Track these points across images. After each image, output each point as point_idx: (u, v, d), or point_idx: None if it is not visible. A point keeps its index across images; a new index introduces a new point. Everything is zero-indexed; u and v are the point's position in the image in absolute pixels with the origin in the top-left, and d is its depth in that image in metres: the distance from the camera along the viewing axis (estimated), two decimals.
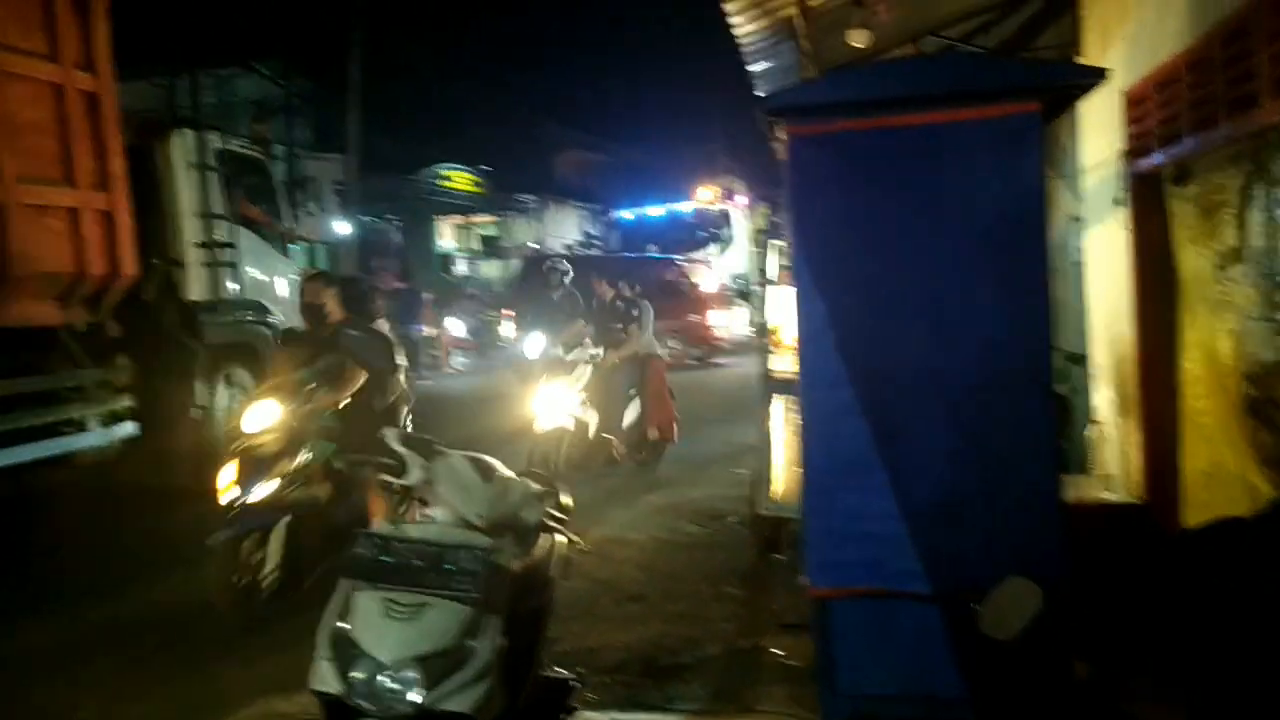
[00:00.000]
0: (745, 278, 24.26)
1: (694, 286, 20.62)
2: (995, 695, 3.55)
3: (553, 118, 36.74)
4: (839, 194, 3.66)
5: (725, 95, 35.75)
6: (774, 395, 6.24)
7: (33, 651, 5.41)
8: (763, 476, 6.22)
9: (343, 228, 21.96)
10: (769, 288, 7.03)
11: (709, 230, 25.78)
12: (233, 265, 9.79)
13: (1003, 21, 8.04)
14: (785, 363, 6.22)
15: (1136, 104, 5.34)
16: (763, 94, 8.77)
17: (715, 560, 6.70)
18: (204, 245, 9.47)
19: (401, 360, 6.11)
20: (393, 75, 24.93)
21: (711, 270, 23.28)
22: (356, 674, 2.84)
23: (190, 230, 9.41)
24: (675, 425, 9.74)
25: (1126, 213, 5.56)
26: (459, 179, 32.48)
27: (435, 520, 3.24)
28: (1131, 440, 5.78)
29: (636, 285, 10.11)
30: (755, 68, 8.52)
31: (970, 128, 3.51)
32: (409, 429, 5.63)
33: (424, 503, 3.28)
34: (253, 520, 5.53)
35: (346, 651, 2.91)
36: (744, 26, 7.16)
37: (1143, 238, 5.42)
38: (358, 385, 5.79)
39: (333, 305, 6.03)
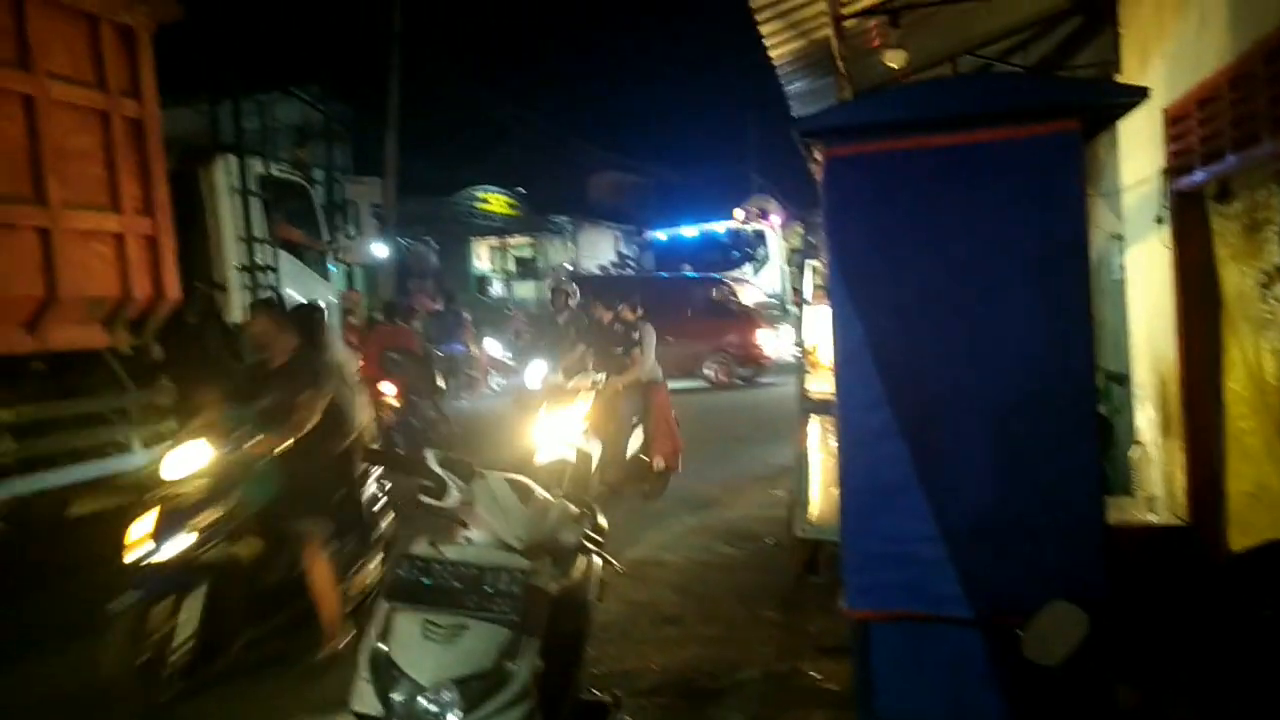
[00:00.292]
0: (780, 297, 24.26)
1: (742, 305, 20.58)
2: None
3: (587, 139, 36.97)
4: (876, 214, 3.65)
5: (759, 115, 35.98)
6: (811, 416, 6.22)
7: None
8: (800, 498, 6.19)
9: (380, 250, 22.19)
10: (805, 308, 7.01)
11: (743, 250, 25.76)
12: (274, 288, 9.93)
13: (1039, 40, 8.00)
14: (822, 383, 6.19)
15: (1177, 121, 5.29)
16: (798, 115, 8.79)
17: (752, 582, 6.66)
18: (246, 268, 9.61)
19: (440, 383, 5.98)
20: (430, 99, 25.22)
21: (753, 290, 23.28)
22: (396, 696, 2.86)
23: (232, 254, 9.56)
24: (680, 454, 9.38)
25: (1168, 231, 5.50)
26: (495, 201, 32.75)
27: (474, 542, 3.25)
28: (1175, 461, 5.70)
29: (638, 308, 9.54)
30: (790, 88, 8.53)
31: (1009, 147, 3.49)
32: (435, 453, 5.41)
33: (463, 524, 3.30)
34: (164, 583, 4.70)
35: (386, 673, 2.93)
36: (779, 48, 7.18)
37: (1185, 256, 5.36)
38: (306, 428, 5.13)
39: (281, 336, 5.42)
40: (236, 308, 9.55)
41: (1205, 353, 5.22)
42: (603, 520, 3.69)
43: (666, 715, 4.66)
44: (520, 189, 33.40)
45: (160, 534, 4.72)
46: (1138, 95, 3.65)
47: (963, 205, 3.54)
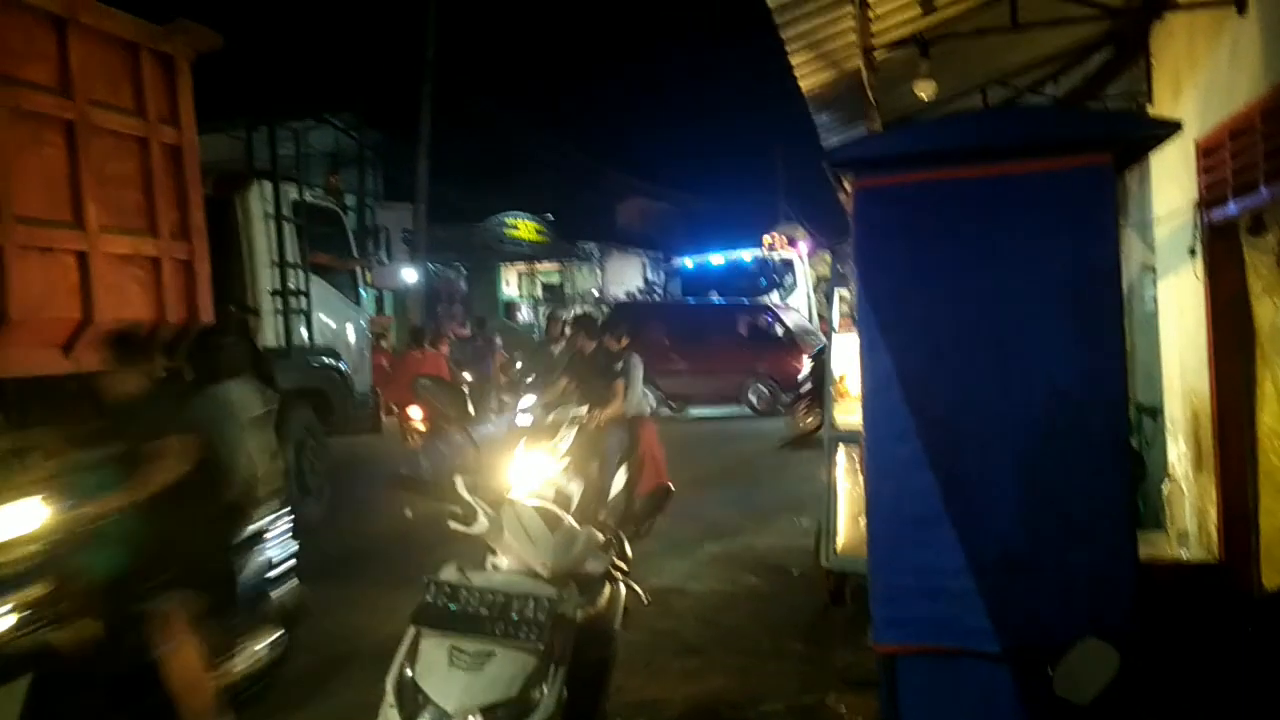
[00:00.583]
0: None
1: (786, 331, 20.57)
2: None
3: (615, 166, 37.19)
4: (906, 245, 3.65)
5: (787, 143, 36.08)
6: (839, 445, 6.20)
7: None
8: (826, 528, 6.16)
9: (410, 275, 22.37)
10: (833, 336, 7.00)
11: (770, 278, 25.75)
12: (305, 313, 10.01)
13: (1070, 70, 8.00)
14: (849, 412, 6.17)
15: (1210, 153, 5.27)
16: (827, 144, 8.82)
17: (777, 613, 6.62)
18: (278, 293, 9.70)
19: (470, 410, 5.65)
20: (461, 126, 25.47)
21: (796, 316, 23.23)
22: None
23: (265, 279, 9.65)
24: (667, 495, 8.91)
25: (1201, 263, 5.47)
26: (523, 227, 32.99)
27: (501, 569, 3.26)
28: (1206, 496, 5.64)
29: (624, 336, 8.98)
30: (819, 118, 8.56)
31: (1041, 179, 3.49)
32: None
33: (491, 551, 3.31)
34: None
35: (412, 699, 2.94)
36: (809, 78, 7.21)
37: (1218, 288, 5.32)
38: (161, 481, 4.24)
39: (124, 369, 4.55)
40: (268, 331, 9.64)
41: (1238, 386, 5.17)
42: (629, 548, 3.69)
43: None
44: (549, 215, 33.62)
45: None
46: (1170, 129, 3.64)
47: (994, 237, 3.54)
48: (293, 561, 5.38)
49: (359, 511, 9.95)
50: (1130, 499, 3.62)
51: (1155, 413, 6.70)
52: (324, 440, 10.33)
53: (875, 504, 3.76)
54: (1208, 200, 5.33)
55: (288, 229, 9.83)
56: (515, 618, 3.00)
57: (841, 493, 6.12)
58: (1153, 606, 3.58)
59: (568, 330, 9.25)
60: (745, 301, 23.12)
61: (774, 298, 25.22)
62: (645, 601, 3.57)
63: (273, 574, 5.18)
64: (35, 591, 4.03)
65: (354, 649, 5.81)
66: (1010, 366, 3.53)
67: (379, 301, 22.66)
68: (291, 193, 10.16)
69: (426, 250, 23.30)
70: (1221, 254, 5.28)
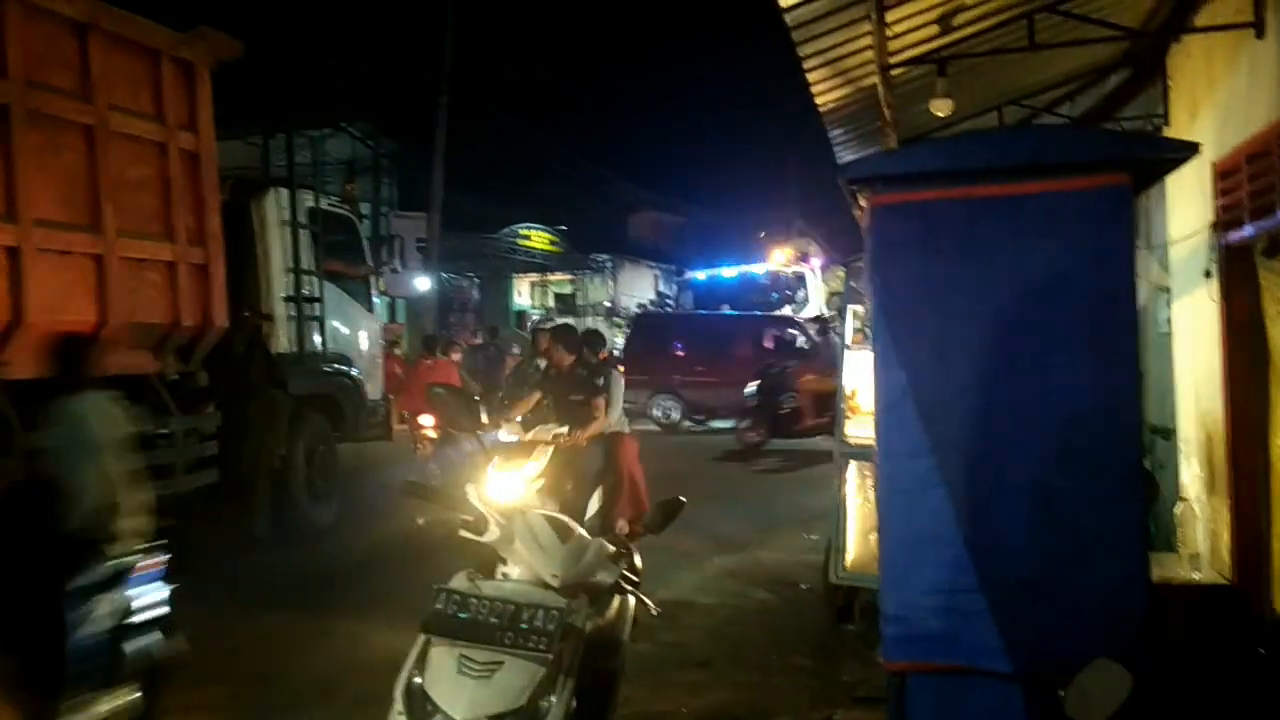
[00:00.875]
0: None
1: (814, 344, 20.49)
2: None
3: (629, 178, 37.28)
4: (921, 263, 3.65)
5: (800, 157, 36.10)
6: (849, 461, 6.19)
7: None
8: (836, 544, 6.15)
9: (423, 284, 22.44)
10: (846, 352, 7.00)
11: (782, 292, 25.73)
12: (318, 320, 10.06)
13: (1086, 91, 8.01)
14: (861, 428, 6.16)
15: (1227, 175, 5.26)
16: (842, 160, 8.83)
17: (786, 628, 6.61)
18: (292, 299, 9.75)
19: (483, 418, 5.35)
20: (476, 136, 25.57)
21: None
22: None
23: (280, 285, 9.71)
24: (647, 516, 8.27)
25: (1216, 285, 5.45)
26: (537, 237, 33.07)
27: (511, 578, 3.27)
28: (1219, 518, 5.61)
29: (602, 349, 8.54)
30: (835, 134, 8.58)
31: (1058, 199, 3.49)
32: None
33: (502, 560, 3.32)
34: None
35: (421, 707, 2.95)
36: (825, 95, 7.22)
37: (1233, 311, 5.31)
38: None
39: None
40: (281, 337, 9.69)
41: (1252, 409, 5.15)
42: (638, 560, 3.69)
43: None
44: (562, 226, 33.71)
45: None
46: (1188, 151, 3.64)
47: (1009, 256, 3.54)
48: (163, 610, 4.63)
49: (367, 518, 9.97)
50: (1143, 520, 3.60)
51: (1168, 434, 6.67)
52: (334, 446, 10.36)
53: (886, 521, 3.75)
54: (1224, 222, 5.32)
55: (303, 236, 9.89)
56: (525, 627, 3.01)
57: (852, 509, 6.11)
58: (1164, 628, 3.56)
59: (552, 344, 8.35)
60: (766, 314, 23.11)
61: (785, 312, 25.21)
62: (654, 613, 3.57)
63: (132, 623, 4.45)
64: None
65: (354, 660, 5.81)
66: (1024, 385, 3.53)
67: (391, 309, 22.72)
68: (308, 200, 10.23)
69: (440, 259, 23.37)
70: (1237, 276, 5.27)
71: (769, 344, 20.70)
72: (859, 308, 6.89)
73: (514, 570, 3.29)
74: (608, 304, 34.27)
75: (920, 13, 6.05)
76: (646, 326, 23.18)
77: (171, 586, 4.71)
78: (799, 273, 25.97)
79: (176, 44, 8.11)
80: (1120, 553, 3.44)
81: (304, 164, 11.18)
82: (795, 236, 28.96)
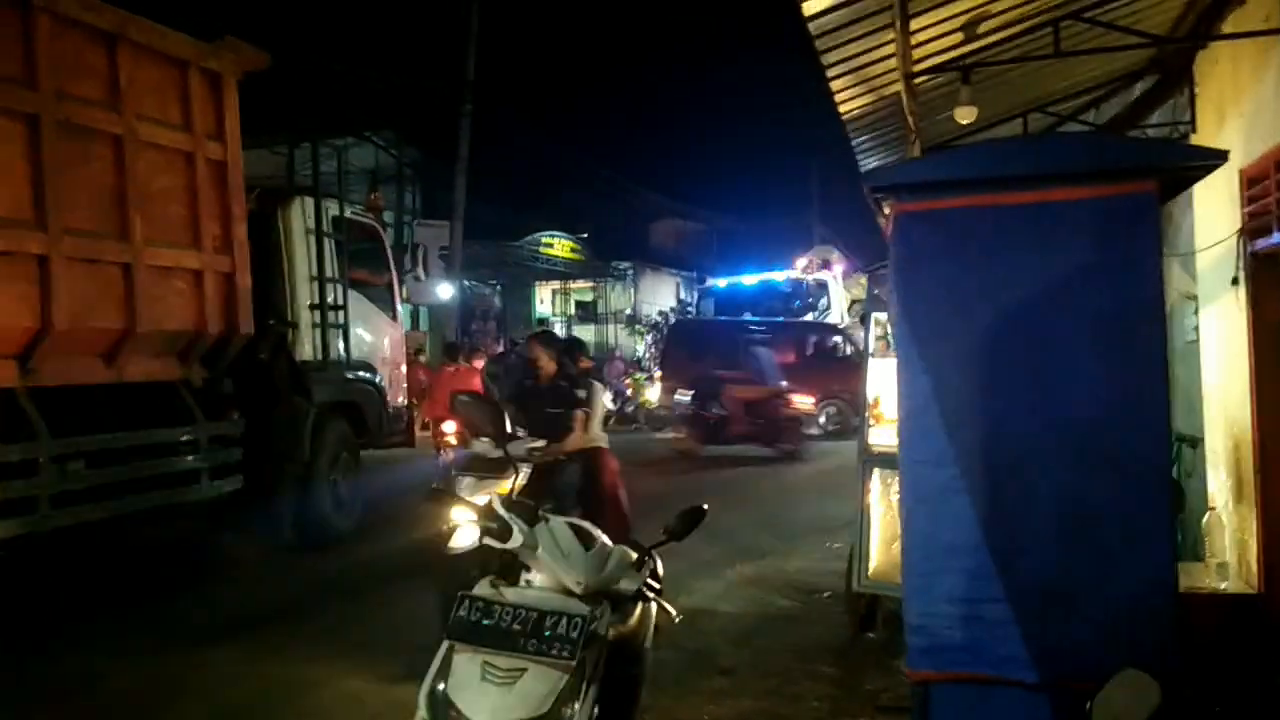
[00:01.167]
0: None
1: (858, 351, 20.45)
2: None
3: (650, 186, 37.35)
4: (945, 271, 3.64)
5: (822, 165, 36.09)
6: (872, 469, 6.16)
7: None
8: (859, 552, 6.12)
9: (445, 291, 22.55)
10: (869, 359, 6.97)
11: (804, 300, 25.66)
12: (342, 327, 10.11)
13: (1112, 98, 7.97)
14: (884, 436, 6.14)
15: (1255, 182, 5.22)
16: (866, 168, 8.81)
17: (808, 636, 6.58)
18: (316, 307, 9.80)
19: (507, 425, 5.21)
20: (499, 145, 25.70)
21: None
22: None
23: (305, 293, 9.76)
24: (629, 535, 7.31)
25: (1244, 292, 5.41)
26: (559, 245, 33.17)
27: (534, 585, 3.28)
28: (1246, 527, 5.56)
29: (585, 357, 8.12)
30: (858, 142, 8.56)
31: (1084, 207, 3.47)
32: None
33: (525, 567, 3.32)
34: None
35: (445, 714, 2.96)
36: (849, 103, 7.21)
37: (1261, 318, 5.27)
38: None
39: None
40: (306, 345, 9.74)
41: None
42: (660, 567, 3.69)
43: None
44: (584, 234, 33.79)
45: None
46: (1217, 158, 3.62)
47: (1035, 264, 3.53)
48: None
49: (389, 525, 10.00)
50: (1171, 529, 3.58)
51: (1195, 443, 6.61)
52: (357, 453, 10.41)
53: (910, 530, 3.74)
54: (1251, 230, 5.28)
55: (328, 244, 9.94)
56: (548, 634, 3.01)
57: (875, 516, 6.08)
58: (1191, 638, 3.53)
59: (540, 350, 7.63)
60: (807, 321, 23.05)
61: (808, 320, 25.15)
62: (676, 620, 3.57)
63: None
64: None
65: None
66: (1050, 394, 3.51)
67: (414, 317, 22.84)
68: (332, 209, 10.28)
69: (462, 267, 23.47)
70: (1265, 283, 5.23)
71: (810, 350, 20.59)
72: (881, 315, 6.86)
73: (537, 577, 3.29)
74: (629, 312, 34.32)
75: (945, 20, 6.03)
76: (684, 333, 23.01)
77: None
78: (821, 280, 25.88)
79: (204, 54, 8.19)
80: (1148, 561, 3.42)
81: (329, 173, 11.22)
82: (817, 244, 28.91)
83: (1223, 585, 5.61)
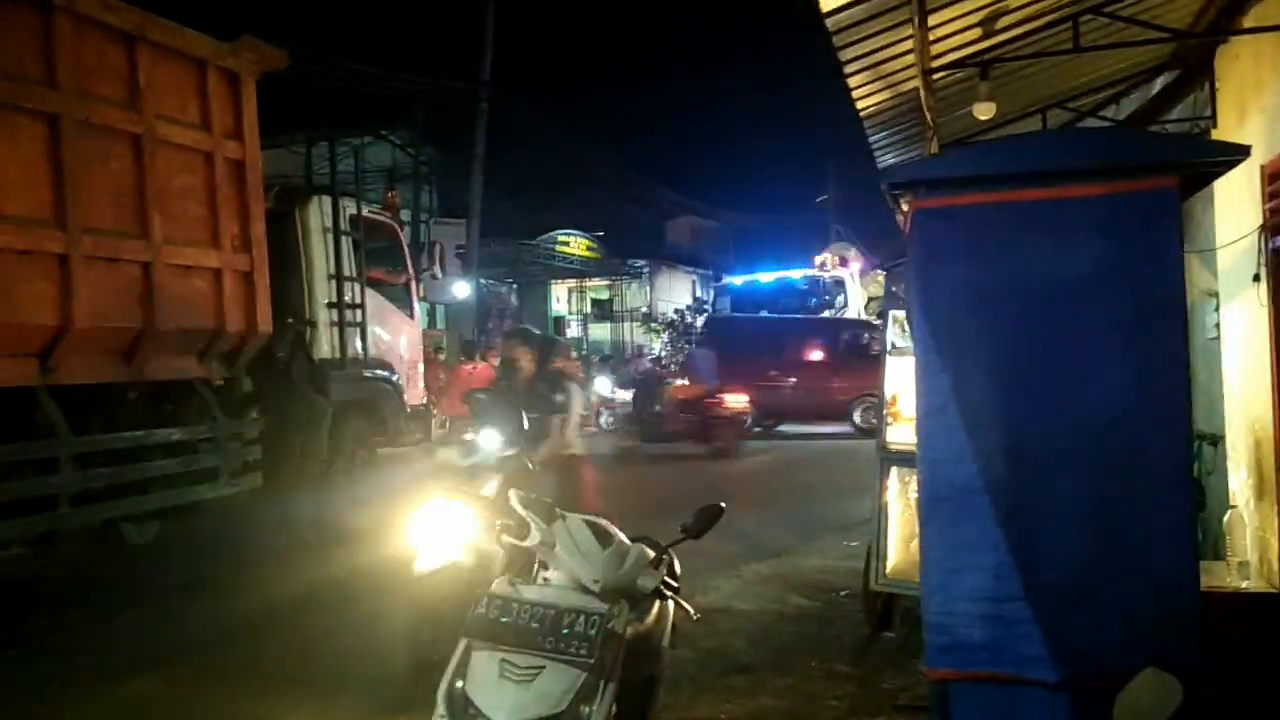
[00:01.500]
0: None
1: (895, 348, 20.34)
2: None
3: (666, 184, 37.34)
4: (964, 267, 3.62)
5: (839, 163, 36.00)
6: (890, 467, 6.14)
7: None
8: (876, 550, 6.10)
9: (462, 290, 22.61)
10: (887, 357, 6.94)
11: (821, 297, 25.58)
12: (360, 326, 10.15)
13: (1131, 93, 7.91)
14: (902, 434, 6.11)
15: (1276, 178, 5.17)
16: (883, 165, 8.77)
17: (825, 634, 6.56)
18: (334, 306, 9.84)
19: (524, 423, 5.23)
20: (515, 143, 25.75)
21: None
22: None
23: (322, 291, 9.80)
24: None
25: (1265, 289, 5.36)
26: (576, 244, 33.22)
27: (552, 583, 3.28)
28: (1268, 526, 5.51)
29: (564, 357, 7.51)
30: (875, 138, 8.52)
31: (1104, 203, 3.45)
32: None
33: (543, 565, 3.33)
34: None
35: (463, 711, 2.96)
36: (866, 100, 7.18)
37: None
38: None
39: None
40: (324, 343, 9.78)
41: None
42: (678, 566, 3.68)
43: None
44: (600, 233, 33.83)
45: None
46: (1239, 153, 3.59)
47: (1055, 260, 3.50)
48: None
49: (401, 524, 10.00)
50: (1193, 527, 3.55)
51: (1216, 441, 6.56)
52: (374, 451, 10.45)
53: (929, 528, 3.72)
54: (1273, 226, 5.23)
55: (345, 243, 9.98)
56: (566, 632, 3.01)
57: (893, 515, 6.06)
58: (1211, 637, 3.50)
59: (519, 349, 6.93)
60: (840, 318, 23.03)
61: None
62: (694, 618, 3.56)
63: None
64: None
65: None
66: (1070, 391, 3.49)
67: (431, 315, 22.90)
68: (350, 207, 10.32)
69: (479, 265, 23.51)
70: None
71: (844, 347, 20.58)
72: (899, 313, 6.83)
73: (554, 575, 3.29)
74: (645, 310, 34.33)
75: (963, 16, 5.99)
76: (718, 330, 22.93)
77: None
78: (838, 278, 25.79)
79: (222, 54, 8.23)
80: (1169, 561, 3.40)
81: (346, 171, 11.26)
82: (834, 241, 28.82)
83: (1244, 584, 5.56)
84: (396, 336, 11.16)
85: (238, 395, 8.73)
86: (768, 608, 7.32)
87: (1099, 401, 3.45)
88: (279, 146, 11.47)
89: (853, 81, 6.71)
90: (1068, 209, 3.49)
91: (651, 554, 3.44)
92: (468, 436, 6.72)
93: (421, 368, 12.02)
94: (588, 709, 2.95)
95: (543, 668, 2.97)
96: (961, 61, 6.47)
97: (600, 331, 34.79)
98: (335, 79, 17.56)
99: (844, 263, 26.26)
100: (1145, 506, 3.39)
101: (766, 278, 26.56)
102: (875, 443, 6.52)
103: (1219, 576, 5.58)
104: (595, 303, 36.27)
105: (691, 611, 3.57)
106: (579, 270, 34.41)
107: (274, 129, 9.48)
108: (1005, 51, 6.50)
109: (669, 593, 3.49)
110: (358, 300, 10.11)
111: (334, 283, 9.83)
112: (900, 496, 6.07)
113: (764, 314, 23.76)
